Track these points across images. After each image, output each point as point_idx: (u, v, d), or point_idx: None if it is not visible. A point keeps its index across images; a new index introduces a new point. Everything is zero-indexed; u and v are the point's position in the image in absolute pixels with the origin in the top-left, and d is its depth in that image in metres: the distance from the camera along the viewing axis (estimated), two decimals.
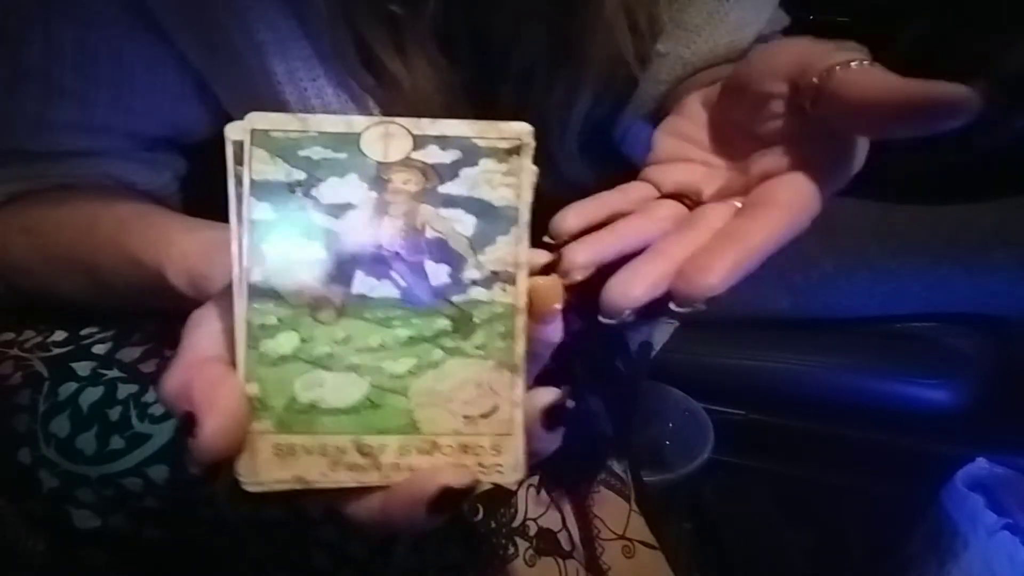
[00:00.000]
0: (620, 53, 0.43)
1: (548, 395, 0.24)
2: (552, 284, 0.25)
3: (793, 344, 0.74)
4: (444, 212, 0.24)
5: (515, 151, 0.25)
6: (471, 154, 0.25)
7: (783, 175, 0.29)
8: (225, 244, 0.24)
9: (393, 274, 0.24)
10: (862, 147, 0.30)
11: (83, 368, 0.37)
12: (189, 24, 0.39)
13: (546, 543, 0.42)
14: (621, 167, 0.38)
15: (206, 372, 0.23)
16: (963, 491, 0.60)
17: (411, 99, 0.41)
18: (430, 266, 0.24)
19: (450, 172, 0.25)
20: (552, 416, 0.24)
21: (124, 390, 0.37)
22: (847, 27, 0.97)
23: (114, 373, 0.37)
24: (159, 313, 0.37)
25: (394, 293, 0.24)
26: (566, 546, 0.43)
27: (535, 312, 0.24)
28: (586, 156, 0.48)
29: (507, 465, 0.24)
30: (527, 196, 0.25)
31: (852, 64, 0.27)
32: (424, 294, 0.24)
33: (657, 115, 0.44)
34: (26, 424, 0.36)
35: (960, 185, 0.73)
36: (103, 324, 0.39)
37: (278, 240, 0.24)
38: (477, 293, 0.24)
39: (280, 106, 0.40)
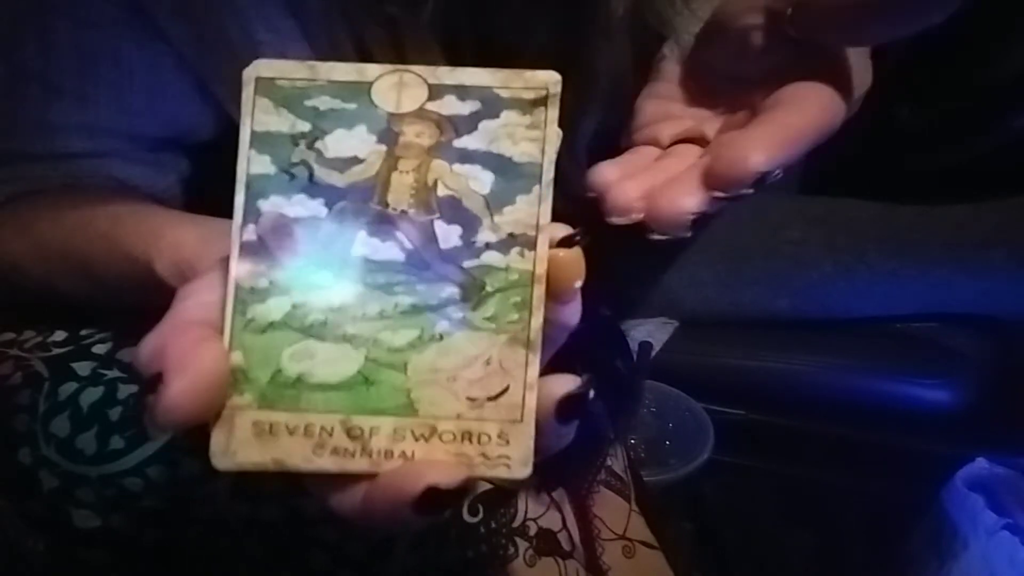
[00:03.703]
0: (630, 59, 0.42)
1: (566, 382, 0.22)
2: (573, 257, 0.22)
3: (793, 344, 0.74)
4: (459, 168, 0.22)
5: (540, 102, 0.23)
6: (492, 105, 0.23)
7: (791, 86, 0.27)
8: (215, 237, 0.24)
9: (399, 235, 0.22)
10: (860, 62, 0.29)
11: (83, 368, 0.37)
12: (186, 23, 0.39)
13: (546, 543, 0.42)
14: None
15: (187, 334, 0.21)
16: (963, 491, 0.60)
17: None
18: (440, 227, 0.22)
19: (468, 125, 0.23)
20: (569, 407, 0.21)
21: (124, 390, 0.37)
22: None
23: (114, 373, 0.37)
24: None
25: (398, 256, 0.22)
26: (566, 546, 0.43)
27: (553, 289, 0.22)
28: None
29: (515, 458, 0.21)
30: (552, 152, 0.22)
31: None
32: (432, 258, 0.22)
33: None
34: (26, 424, 0.36)
35: (959, 185, 0.73)
36: (103, 324, 0.39)
37: (275, 196, 0.22)
38: (491, 258, 0.22)
39: None
